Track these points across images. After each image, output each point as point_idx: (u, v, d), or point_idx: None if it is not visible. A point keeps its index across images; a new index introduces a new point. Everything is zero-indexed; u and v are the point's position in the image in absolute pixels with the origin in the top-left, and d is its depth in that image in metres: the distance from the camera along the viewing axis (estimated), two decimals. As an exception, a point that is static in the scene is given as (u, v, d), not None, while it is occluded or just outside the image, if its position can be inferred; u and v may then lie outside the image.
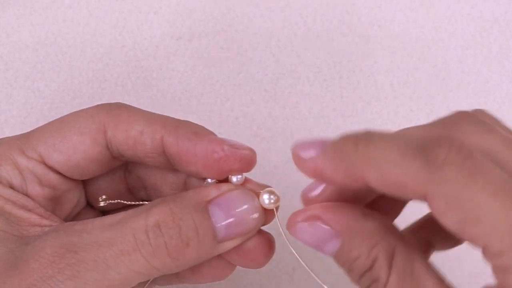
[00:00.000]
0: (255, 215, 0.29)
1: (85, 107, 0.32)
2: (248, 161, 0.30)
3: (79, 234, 0.27)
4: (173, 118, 0.31)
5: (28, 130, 0.36)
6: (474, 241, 0.25)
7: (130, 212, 0.28)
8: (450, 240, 0.33)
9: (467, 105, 0.31)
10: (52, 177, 0.31)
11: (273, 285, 0.41)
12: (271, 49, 0.43)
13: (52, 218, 0.29)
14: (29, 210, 0.29)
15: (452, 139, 0.25)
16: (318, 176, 0.27)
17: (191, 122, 0.31)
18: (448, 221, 0.25)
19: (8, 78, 0.42)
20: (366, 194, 0.30)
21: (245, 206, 0.29)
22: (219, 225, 0.28)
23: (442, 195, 0.25)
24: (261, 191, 0.29)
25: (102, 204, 0.32)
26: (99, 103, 0.32)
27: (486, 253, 0.25)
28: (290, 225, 0.28)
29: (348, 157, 0.26)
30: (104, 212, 0.35)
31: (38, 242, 0.27)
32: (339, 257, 0.28)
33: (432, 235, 0.34)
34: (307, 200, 0.29)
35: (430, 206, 0.25)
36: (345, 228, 0.28)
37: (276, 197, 0.29)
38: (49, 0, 0.43)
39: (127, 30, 0.43)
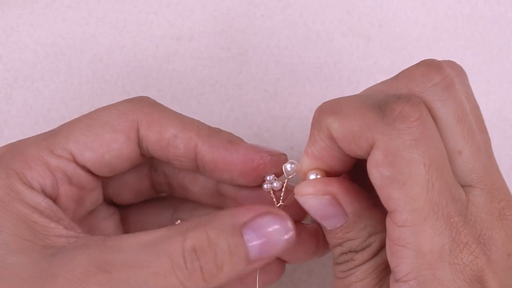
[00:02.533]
0: (287, 236, 0.29)
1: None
2: (281, 165, 0.31)
3: (112, 252, 0.27)
4: (206, 125, 0.31)
5: (28, 130, 0.37)
6: (387, 202, 0.26)
7: (164, 232, 0.28)
8: None
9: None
10: (82, 175, 0.31)
11: (273, 286, 0.41)
12: (271, 49, 0.43)
13: (76, 229, 0.29)
14: (56, 221, 0.29)
15: (410, 97, 0.27)
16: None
17: (222, 130, 0.32)
18: (378, 174, 0.26)
19: (7, 79, 0.42)
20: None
21: (278, 228, 0.29)
22: (252, 246, 0.28)
23: (385, 147, 0.26)
24: (308, 172, 0.29)
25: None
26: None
27: (391, 218, 0.26)
28: (300, 191, 0.29)
29: (317, 116, 0.28)
30: (121, 207, 0.35)
31: (67, 257, 0.27)
32: (336, 232, 0.29)
33: None
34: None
35: (371, 156, 0.26)
36: (355, 211, 0.29)
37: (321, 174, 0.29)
38: (48, 0, 0.43)
39: (127, 30, 0.43)
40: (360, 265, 0.28)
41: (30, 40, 0.43)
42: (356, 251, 0.28)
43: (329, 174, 0.29)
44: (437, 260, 0.26)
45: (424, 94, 0.28)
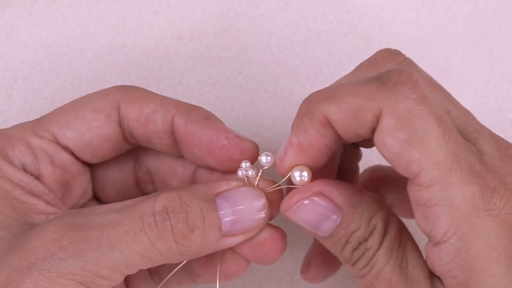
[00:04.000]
0: (262, 214, 0.29)
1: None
2: (249, 153, 0.30)
3: (85, 216, 0.27)
4: (187, 103, 0.31)
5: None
6: (409, 167, 0.26)
7: (138, 198, 0.28)
8: None
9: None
10: (64, 157, 0.31)
11: (273, 286, 0.41)
12: (272, 49, 0.43)
13: (59, 205, 0.30)
14: (37, 196, 0.29)
15: (401, 68, 0.27)
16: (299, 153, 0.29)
17: (203, 108, 0.32)
18: (394, 141, 0.26)
19: (7, 79, 0.42)
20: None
21: (252, 203, 0.29)
22: (225, 219, 0.28)
23: (395, 111, 0.26)
24: (293, 168, 0.29)
25: None
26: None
27: (417, 182, 0.26)
28: (287, 206, 0.29)
29: (306, 106, 0.28)
30: None
31: (42, 224, 0.27)
32: (337, 232, 0.29)
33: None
34: (281, 161, 0.29)
35: (381, 125, 0.26)
36: (347, 201, 0.29)
37: (308, 174, 0.29)
38: (48, 0, 0.43)
39: (127, 30, 0.43)
40: (377, 250, 0.28)
41: (30, 40, 0.43)
42: (366, 240, 0.28)
43: (310, 168, 0.29)
44: (472, 209, 0.25)
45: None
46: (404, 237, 0.29)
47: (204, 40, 0.43)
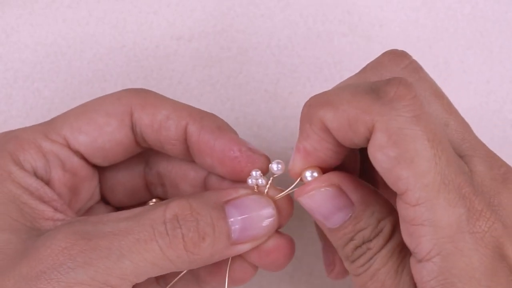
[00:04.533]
0: (270, 221, 0.29)
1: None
2: (260, 166, 0.30)
3: (94, 225, 0.27)
4: (200, 109, 0.31)
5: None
6: (397, 184, 0.26)
7: (147, 206, 0.28)
8: None
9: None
10: (75, 161, 0.31)
11: (273, 286, 0.41)
12: (272, 49, 0.43)
13: (67, 212, 0.30)
14: (45, 202, 0.29)
15: (399, 79, 0.27)
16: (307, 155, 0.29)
17: (217, 116, 0.32)
18: (384, 157, 0.26)
19: (7, 79, 0.42)
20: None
21: (260, 211, 0.29)
22: (234, 226, 0.28)
23: (387, 128, 0.26)
24: (304, 170, 0.29)
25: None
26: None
27: (403, 200, 0.26)
28: (302, 192, 0.29)
29: (306, 111, 0.28)
30: (118, 208, 0.35)
31: (50, 232, 0.27)
32: (345, 227, 0.29)
33: None
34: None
35: (373, 139, 0.26)
36: (360, 199, 0.28)
37: (319, 175, 0.29)
38: (48, 0, 0.43)
39: (127, 30, 0.43)
40: (378, 251, 0.28)
41: (30, 40, 0.43)
42: (370, 240, 0.28)
43: (322, 170, 0.29)
44: (457, 231, 0.25)
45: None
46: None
47: (204, 40, 0.43)
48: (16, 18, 0.43)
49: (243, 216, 0.29)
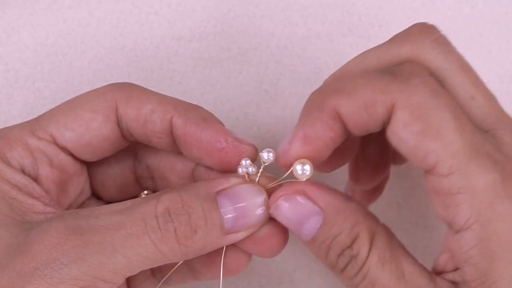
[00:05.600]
0: (263, 210, 0.29)
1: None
2: (248, 156, 0.30)
3: (86, 219, 0.27)
4: (185, 102, 0.31)
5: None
6: (426, 158, 0.26)
7: (139, 199, 0.28)
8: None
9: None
10: (63, 158, 0.31)
11: (273, 286, 0.41)
12: (272, 50, 0.43)
13: (56, 207, 0.30)
14: (35, 198, 0.29)
15: (414, 60, 0.27)
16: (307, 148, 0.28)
17: (202, 108, 0.31)
18: (409, 133, 0.26)
19: (8, 79, 0.42)
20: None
21: (253, 200, 0.29)
22: (226, 216, 0.28)
23: (409, 104, 0.26)
24: (295, 162, 0.29)
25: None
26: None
27: (435, 173, 0.26)
28: (271, 203, 0.29)
29: (315, 98, 0.28)
30: (110, 203, 0.35)
31: (42, 226, 0.27)
32: (319, 235, 0.28)
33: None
34: (286, 153, 0.29)
35: (394, 118, 0.26)
36: (330, 205, 0.28)
37: (310, 168, 0.29)
38: (49, 0, 0.43)
39: (128, 31, 0.43)
40: (366, 259, 0.28)
41: (31, 41, 0.43)
42: (349, 247, 0.28)
43: (313, 162, 0.29)
44: (494, 196, 0.25)
45: (426, 49, 0.28)
46: (395, 247, 0.28)
47: (205, 41, 0.43)
48: (16, 19, 0.43)
49: (236, 206, 0.28)
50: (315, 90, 0.29)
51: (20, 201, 0.29)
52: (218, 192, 0.29)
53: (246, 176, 0.30)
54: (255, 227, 0.29)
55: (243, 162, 0.30)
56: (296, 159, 0.29)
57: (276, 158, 0.30)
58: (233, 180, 0.30)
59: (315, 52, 0.43)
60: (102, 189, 0.34)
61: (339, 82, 0.28)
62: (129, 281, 0.33)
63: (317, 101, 0.28)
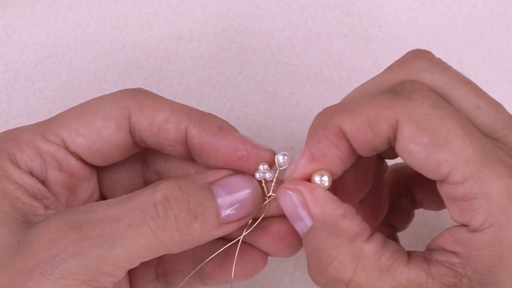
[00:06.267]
0: (256, 199, 0.30)
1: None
2: (267, 162, 0.30)
3: (84, 214, 0.27)
4: (198, 110, 0.31)
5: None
6: (438, 169, 0.26)
7: (135, 191, 0.28)
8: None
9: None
10: (73, 163, 0.31)
11: (273, 286, 0.41)
12: (272, 50, 0.43)
13: (59, 209, 0.30)
14: (38, 199, 0.29)
15: (414, 79, 0.28)
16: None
17: (216, 116, 0.31)
18: (418, 146, 0.26)
19: (8, 79, 0.42)
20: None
21: (246, 189, 0.29)
22: (222, 205, 0.29)
23: (413, 118, 0.26)
24: (313, 173, 0.29)
25: None
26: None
27: (449, 182, 0.26)
28: (281, 188, 0.30)
29: (319, 119, 0.28)
30: None
31: (42, 223, 0.27)
32: (305, 239, 0.29)
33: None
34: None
35: (400, 134, 0.26)
36: (320, 216, 0.28)
37: (328, 179, 0.29)
38: (49, 0, 0.43)
39: (128, 31, 0.43)
40: (349, 281, 0.27)
41: (31, 41, 0.43)
42: (330, 264, 0.28)
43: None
44: (508, 201, 0.25)
45: (422, 69, 0.29)
46: (385, 259, 0.28)
47: (204, 41, 0.43)
48: (17, 19, 0.43)
49: (230, 195, 0.29)
50: (319, 112, 0.29)
51: (23, 201, 0.29)
52: (212, 183, 0.29)
53: (263, 182, 0.30)
54: (249, 217, 0.30)
55: (261, 167, 0.30)
56: (302, 177, 0.29)
57: (285, 178, 0.30)
58: (224, 172, 0.30)
59: (315, 52, 0.43)
60: (110, 192, 0.34)
61: (342, 103, 0.29)
62: (133, 284, 0.33)
63: (322, 121, 0.29)
